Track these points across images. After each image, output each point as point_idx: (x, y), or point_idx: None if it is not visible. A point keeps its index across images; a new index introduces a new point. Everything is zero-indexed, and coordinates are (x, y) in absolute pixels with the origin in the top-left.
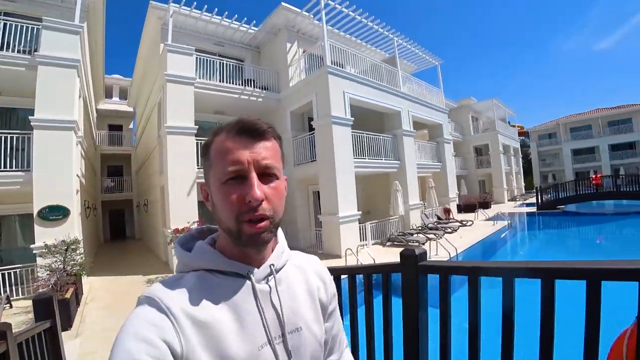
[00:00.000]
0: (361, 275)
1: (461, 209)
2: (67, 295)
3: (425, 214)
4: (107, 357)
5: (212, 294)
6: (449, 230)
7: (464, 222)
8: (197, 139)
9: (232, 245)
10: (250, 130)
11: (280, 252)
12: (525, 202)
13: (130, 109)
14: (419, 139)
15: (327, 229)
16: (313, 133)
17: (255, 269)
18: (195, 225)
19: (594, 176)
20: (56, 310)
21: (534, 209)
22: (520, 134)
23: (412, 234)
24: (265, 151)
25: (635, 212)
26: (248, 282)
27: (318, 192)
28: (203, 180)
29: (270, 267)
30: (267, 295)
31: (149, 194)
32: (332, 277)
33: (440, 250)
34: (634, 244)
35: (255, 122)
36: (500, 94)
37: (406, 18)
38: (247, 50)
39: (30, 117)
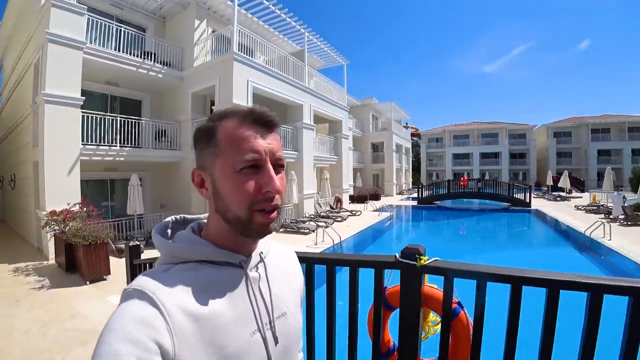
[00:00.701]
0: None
1: (354, 199)
2: None
3: (319, 203)
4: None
5: (206, 286)
6: (339, 219)
7: (353, 212)
8: (84, 112)
9: (228, 234)
10: (265, 121)
11: (265, 240)
12: (410, 196)
13: None
14: (319, 133)
15: None
16: None
17: (247, 258)
18: (77, 208)
19: (462, 178)
20: None
21: (415, 203)
22: (415, 135)
23: (304, 222)
24: (277, 143)
25: (490, 210)
26: (240, 270)
27: None
28: (195, 165)
29: (260, 255)
30: (257, 282)
31: (17, 170)
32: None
33: (327, 237)
34: (487, 233)
35: (268, 112)
36: (402, 98)
37: (323, 15)
38: (151, 18)
39: None
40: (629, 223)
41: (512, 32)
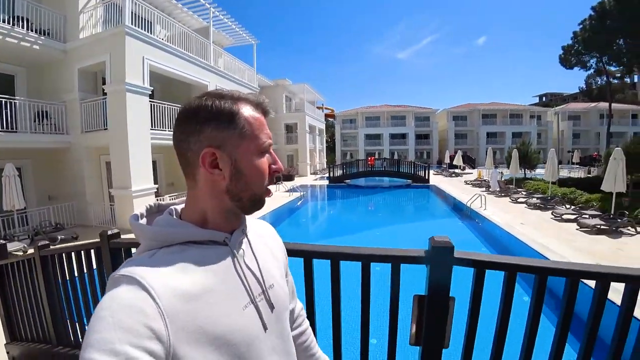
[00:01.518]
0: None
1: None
2: None
3: None
4: None
5: (193, 265)
6: None
7: None
8: None
9: (219, 214)
10: (266, 111)
11: (244, 218)
12: (324, 176)
13: None
14: None
15: (120, 203)
16: (106, 98)
17: (230, 235)
18: None
19: (370, 158)
20: None
21: (327, 182)
22: (331, 116)
23: None
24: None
25: (395, 187)
26: (225, 247)
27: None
28: (207, 146)
29: (242, 231)
30: (242, 258)
31: None
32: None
33: None
34: (388, 207)
35: (266, 103)
36: (320, 81)
37: None
38: None
39: None
40: (502, 194)
41: (423, 23)
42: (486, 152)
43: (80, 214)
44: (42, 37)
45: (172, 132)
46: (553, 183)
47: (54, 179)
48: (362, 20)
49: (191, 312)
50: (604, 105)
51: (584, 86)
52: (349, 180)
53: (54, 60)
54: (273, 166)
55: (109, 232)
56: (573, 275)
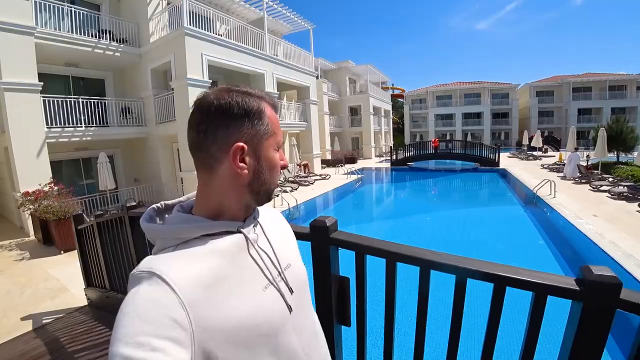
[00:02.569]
0: None
1: (330, 163)
2: None
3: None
4: None
5: (209, 256)
6: (306, 183)
7: (323, 176)
8: (44, 96)
9: (231, 206)
10: (277, 110)
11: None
12: (387, 158)
13: None
14: (288, 100)
15: (188, 184)
16: (173, 92)
17: (242, 223)
18: (47, 188)
19: (433, 139)
20: None
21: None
22: (400, 96)
23: None
24: None
25: (460, 170)
26: (238, 235)
27: None
28: (225, 142)
29: (254, 217)
30: (256, 242)
31: None
32: None
33: (288, 200)
34: (447, 192)
35: (277, 101)
36: (391, 60)
37: None
38: None
39: None
40: (583, 181)
41: None
42: (578, 132)
43: (158, 194)
44: (122, 45)
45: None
46: None
47: (137, 164)
48: None
49: (211, 299)
50: None
51: None
52: (411, 163)
53: (132, 64)
54: (281, 162)
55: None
56: (458, 272)
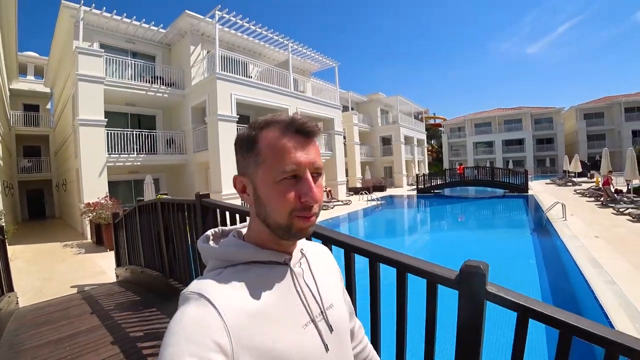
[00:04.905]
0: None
1: (357, 191)
2: None
3: None
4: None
5: (256, 283)
6: (325, 207)
7: (345, 202)
8: (107, 130)
9: (270, 236)
10: (305, 132)
11: (302, 240)
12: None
13: (47, 90)
14: None
15: None
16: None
17: (290, 256)
18: (104, 200)
19: (458, 166)
20: None
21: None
22: (440, 125)
23: None
24: (316, 152)
25: (486, 197)
26: (285, 267)
27: None
28: (235, 172)
29: (300, 251)
30: (301, 277)
31: (67, 175)
32: None
33: None
34: (470, 217)
35: (308, 123)
36: (434, 90)
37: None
38: (159, 47)
39: None
40: (610, 205)
41: (559, 6)
42: (608, 154)
43: None
44: (169, 89)
45: None
46: None
47: (178, 186)
48: (484, 18)
49: (254, 328)
50: None
51: None
52: (439, 191)
53: (177, 103)
54: (303, 197)
55: (201, 193)
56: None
